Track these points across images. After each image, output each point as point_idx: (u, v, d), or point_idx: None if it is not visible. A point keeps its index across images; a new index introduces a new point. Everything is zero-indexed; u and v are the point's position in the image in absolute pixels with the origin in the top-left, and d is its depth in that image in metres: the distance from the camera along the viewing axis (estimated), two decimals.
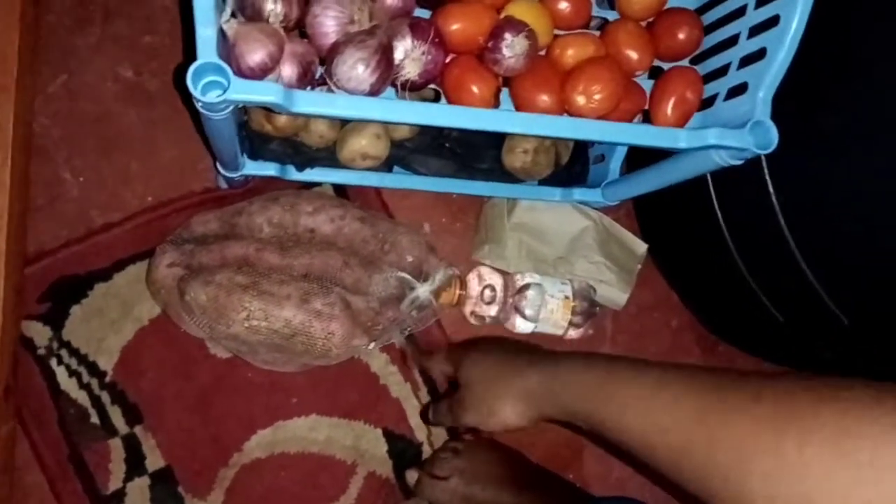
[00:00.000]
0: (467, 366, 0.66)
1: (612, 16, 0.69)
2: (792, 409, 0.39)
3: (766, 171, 0.68)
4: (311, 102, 0.54)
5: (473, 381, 0.64)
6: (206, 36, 0.50)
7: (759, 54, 0.60)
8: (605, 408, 0.51)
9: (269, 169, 0.77)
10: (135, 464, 0.80)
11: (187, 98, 0.52)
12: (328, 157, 0.80)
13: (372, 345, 0.77)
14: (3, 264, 0.68)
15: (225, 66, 0.50)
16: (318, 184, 0.87)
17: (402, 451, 0.86)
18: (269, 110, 0.68)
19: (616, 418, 0.50)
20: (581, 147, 0.88)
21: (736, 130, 0.59)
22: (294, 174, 0.79)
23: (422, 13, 0.63)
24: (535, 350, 0.64)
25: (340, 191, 0.88)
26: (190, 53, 0.50)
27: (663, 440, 0.46)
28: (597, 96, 0.60)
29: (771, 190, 0.68)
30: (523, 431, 0.60)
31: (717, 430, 0.42)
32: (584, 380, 0.54)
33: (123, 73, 0.84)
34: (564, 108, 0.62)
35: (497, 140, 0.84)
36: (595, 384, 0.53)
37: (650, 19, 0.68)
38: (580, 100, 0.60)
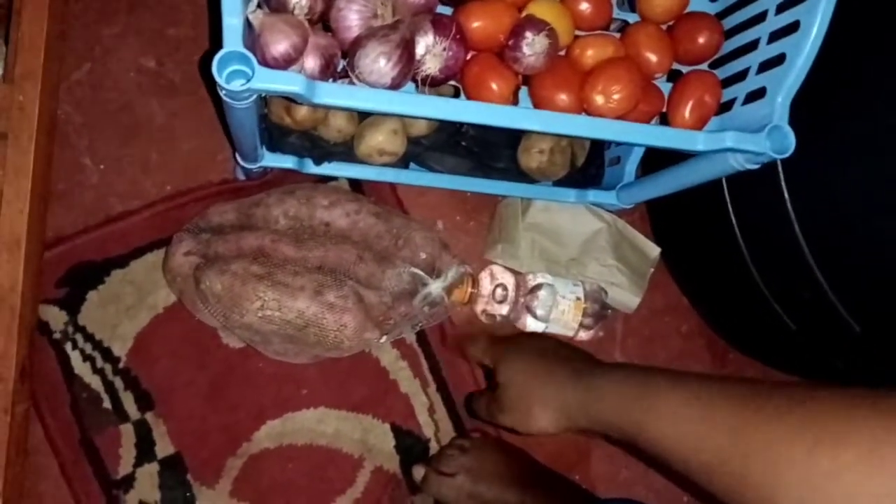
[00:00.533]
0: (507, 366, 0.66)
1: (632, 18, 0.69)
2: (826, 418, 0.39)
3: (781, 176, 0.68)
4: (332, 94, 0.55)
5: (511, 384, 0.64)
6: (232, 25, 0.51)
7: (779, 59, 0.60)
8: (640, 420, 0.52)
9: (286, 161, 0.78)
10: (145, 450, 0.80)
11: (211, 87, 0.53)
12: (345, 151, 0.80)
13: (383, 338, 0.78)
14: (23, 247, 0.69)
15: (250, 55, 0.51)
16: (335, 178, 0.87)
17: (410, 446, 0.87)
18: (289, 100, 0.69)
19: (651, 430, 0.51)
20: (597, 149, 0.88)
21: (753, 134, 0.60)
22: (311, 168, 0.79)
23: (444, 10, 0.63)
24: (575, 357, 0.64)
25: (356, 186, 0.89)
26: (216, 43, 0.51)
27: (698, 451, 0.46)
28: (616, 96, 0.60)
29: (786, 196, 0.68)
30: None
31: (751, 439, 0.42)
32: (621, 392, 0.54)
33: (146, 63, 0.86)
34: (583, 107, 0.63)
35: (513, 140, 0.85)
36: (632, 397, 0.53)
37: (670, 22, 0.68)
38: (599, 99, 0.61)
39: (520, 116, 0.59)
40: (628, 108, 0.61)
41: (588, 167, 0.87)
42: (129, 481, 0.80)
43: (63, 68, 0.82)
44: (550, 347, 0.67)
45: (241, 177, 0.84)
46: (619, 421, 0.54)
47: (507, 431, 0.74)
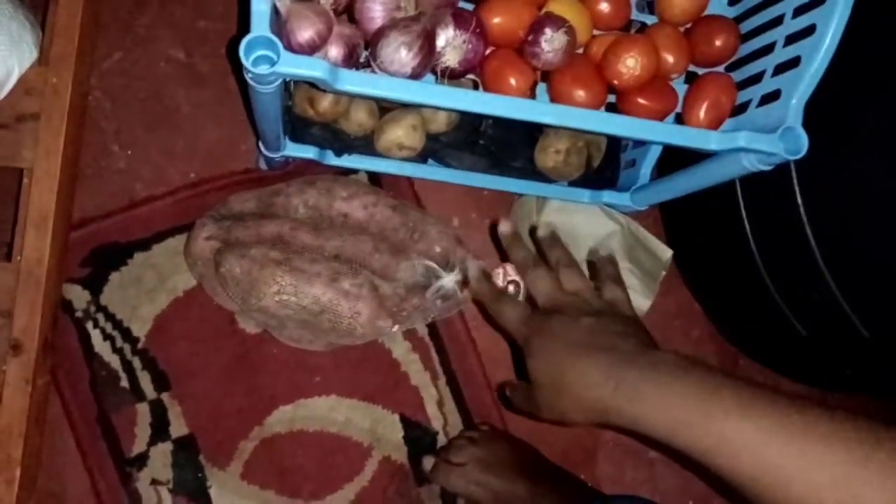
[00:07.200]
0: (535, 360, 0.57)
1: (651, 20, 0.71)
2: None
3: (794, 180, 0.69)
4: (354, 81, 0.56)
5: (543, 384, 0.56)
6: (260, 10, 0.53)
7: (794, 62, 0.61)
8: (704, 435, 0.45)
9: (308, 152, 0.80)
10: (159, 429, 0.82)
11: (238, 73, 0.55)
12: (365, 145, 0.82)
13: (395, 327, 0.79)
14: (50, 224, 0.72)
15: (276, 39, 0.52)
16: (354, 171, 0.89)
17: (418, 438, 0.88)
18: (313, 87, 0.70)
19: (717, 451, 0.45)
20: (613, 151, 0.89)
21: (766, 135, 0.60)
22: (332, 159, 0.81)
23: (466, 6, 0.65)
24: (615, 342, 0.54)
25: (375, 179, 0.91)
26: (244, 29, 0.53)
27: (787, 486, 0.41)
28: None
29: (799, 200, 0.69)
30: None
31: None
32: (671, 403, 0.47)
33: (176, 54, 0.88)
34: (601, 102, 0.64)
35: (530, 140, 0.86)
36: (694, 406, 0.46)
37: (688, 25, 0.69)
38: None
39: (537, 110, 0.60)
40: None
41: (604, 169, 0.88)
42: (142, 459, 0.81)
43: (95, 56, 0.85)
44: (583, 338, 0.55)
45: (263, 167, 0.86)
46: (667, 428, 0.47)
47: (528, 418, 0.66)
